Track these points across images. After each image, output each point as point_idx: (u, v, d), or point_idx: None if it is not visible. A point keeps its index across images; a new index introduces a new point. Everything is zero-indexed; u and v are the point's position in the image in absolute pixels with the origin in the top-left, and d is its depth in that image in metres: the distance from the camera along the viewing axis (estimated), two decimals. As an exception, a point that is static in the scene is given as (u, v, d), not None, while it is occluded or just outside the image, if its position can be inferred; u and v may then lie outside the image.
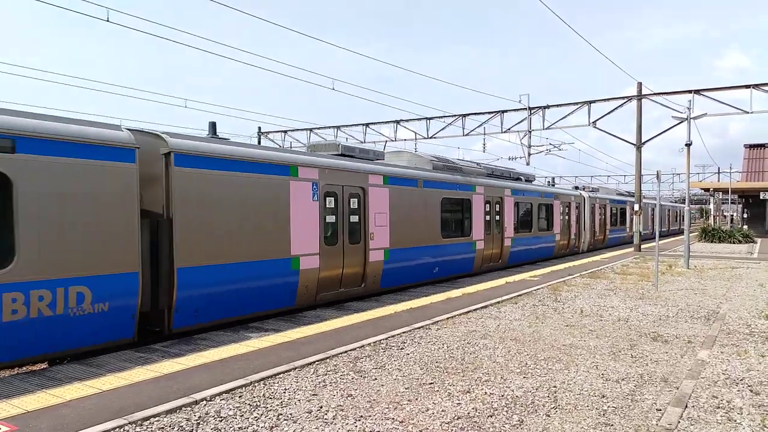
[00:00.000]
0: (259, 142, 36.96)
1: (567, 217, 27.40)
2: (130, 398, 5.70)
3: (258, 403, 5.62)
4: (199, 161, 9.45)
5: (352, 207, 13.07)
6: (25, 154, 7.16)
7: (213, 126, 11.61)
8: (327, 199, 12.27)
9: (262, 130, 38.36)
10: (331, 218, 12.40)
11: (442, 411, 5.45)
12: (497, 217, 20.13)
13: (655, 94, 26.45)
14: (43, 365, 7.98)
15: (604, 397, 5.89)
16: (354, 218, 13.11)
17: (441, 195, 16.56)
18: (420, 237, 15.50)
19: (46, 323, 7.33)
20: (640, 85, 26.83)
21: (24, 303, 7.07)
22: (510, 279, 15.89)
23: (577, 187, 34.42)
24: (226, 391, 5.92)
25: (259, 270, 10.57)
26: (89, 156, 7.83)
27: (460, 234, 17.81)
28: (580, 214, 29.25)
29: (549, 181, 31.64)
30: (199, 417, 5.24)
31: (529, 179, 25.02)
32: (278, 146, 33.55)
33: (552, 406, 5.62)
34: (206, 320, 9.69)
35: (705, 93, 24.54)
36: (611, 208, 34.47)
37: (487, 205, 19.38)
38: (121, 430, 4.91)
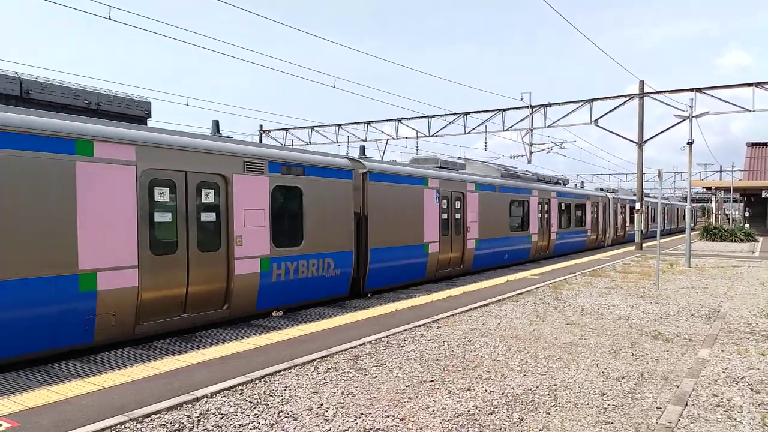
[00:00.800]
0: (261, 140, 36.97)
1: (596, 215, 30.73)
2: (132, 395, 5.72)
3: (259, 401, 5.63)
4: (380, 177, 13.81)
5: (456, 207, 17.26)
6: (307, 176, 11.43)
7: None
8: (443, 201, 16.50)
9: (263, 128, 38.36)
10: (444, 215, 16.53)
11: (443, 408, 5.46)
12: (546, 215, 23.97)
13: (657, 92, 26.40)
14: (279, 312, 11.09)
15: (604, 395, 5.90)
16: (457, 216, 17.31)
17: (509, 197, 20.79)
18: (497, 230, 19.73)
19: (315, 280, 11.58)
20: (642, 83, 26.76)
21: (306, 267, 11.34)
22: (511, 277, 15.91)
23: (602, 189, 37.54)
24: (227, 389, 5.94)
25: (408, 252, 14.80)
26: (330, 176, 12.06)
27: (521, 229, 21.95)
28: (606, 212, 32.34)
29: (576, 184, 34.08)
30: (200, 414, 5.26)
31: (564, 183, 28.05)
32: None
33: (552, 404, 5.62)
34: (379, 285, 13.83)
35: (707, 91, 24.48)
36: (630, 207, 37.01)
37: (539, 206, 23.35)
38: (122, 426, 4.93)
